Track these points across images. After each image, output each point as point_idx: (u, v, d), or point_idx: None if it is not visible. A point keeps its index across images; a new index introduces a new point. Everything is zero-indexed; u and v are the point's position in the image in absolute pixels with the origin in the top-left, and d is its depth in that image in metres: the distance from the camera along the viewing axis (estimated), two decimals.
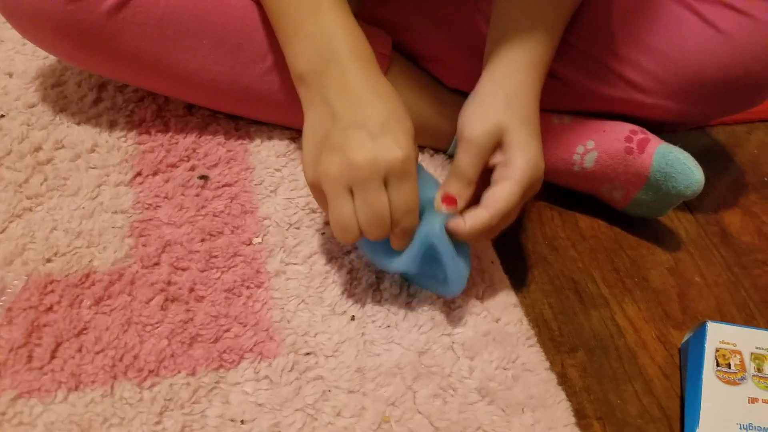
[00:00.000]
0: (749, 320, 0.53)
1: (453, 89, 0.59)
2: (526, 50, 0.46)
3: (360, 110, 0.42)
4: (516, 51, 0.46)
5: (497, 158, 0.45)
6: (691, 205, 0.62)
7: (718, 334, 0.48)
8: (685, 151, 0.54)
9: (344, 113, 0.41)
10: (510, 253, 0.56)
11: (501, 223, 0.44)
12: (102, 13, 0.50)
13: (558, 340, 0.50)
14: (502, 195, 0.43)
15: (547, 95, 0.57)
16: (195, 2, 0.51)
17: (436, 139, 0.60)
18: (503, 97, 0.45)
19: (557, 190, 0.60)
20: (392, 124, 0.41)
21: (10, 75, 0.62)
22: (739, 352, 0.47)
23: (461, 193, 0.44)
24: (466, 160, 0.44)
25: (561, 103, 0.57)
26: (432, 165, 0.60)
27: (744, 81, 0.50)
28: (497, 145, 0.44)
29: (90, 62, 0.55)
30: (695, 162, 0.54)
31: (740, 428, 0.43)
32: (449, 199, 0.44)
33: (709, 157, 0.68)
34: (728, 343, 0.48)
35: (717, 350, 0.47)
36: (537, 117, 0.46)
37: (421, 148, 0.61)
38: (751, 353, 0.47)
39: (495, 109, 0.45)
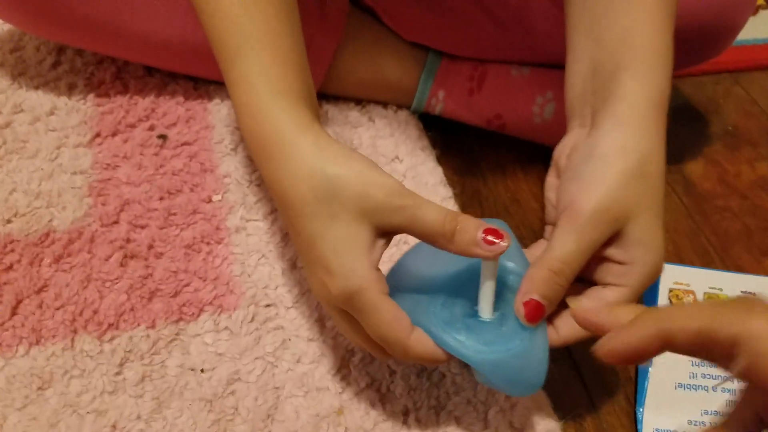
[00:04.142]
0: (708, 265, 0.54)
1: (412, 42, 0.59)
2: (649, 89, 0.35)
3: (293, 229, 0.34)
4: (638, 90, 0.35)
5: (611, 253, 0.35)
6: None
7: (671, 275, 0.49)
8: None
9: (286, 227, 0.35)
10: (472, 205, 0.56)
11: None
12: None
13: None
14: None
15: (507, 51, 0.57)
16: None
17: (399, 95, 0.60)
18: (634, 163, 0.34)
19: (520, 143, 0.60)
20: (320, 246, 0.32)
21: None
22: (693, 292, 0.48)
23: (555, 295, 0.33)
24: (571, 249, 0.33)
25: (524, 58, 0.57)
26: (396, 121, 0.60)
27: (697, 33, 0.50)
28: (615, 234, 0.34)
29: (44, 29, 0.55)
30: None
31: (692, 365, 0.44)
32: (535, 309, 0.33)
33: (675, 107, 0.68)
34: (681, 284, 0.48)
35: (670, 290, 0.48)
36: (664, 186, 0.35)
37: (384, 104, 0.61)
38: (705, 293, 0.48)
39: (622, 182, 0.33)
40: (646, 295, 0.49)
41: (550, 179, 0.39)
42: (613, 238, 0.34)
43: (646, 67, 0.36)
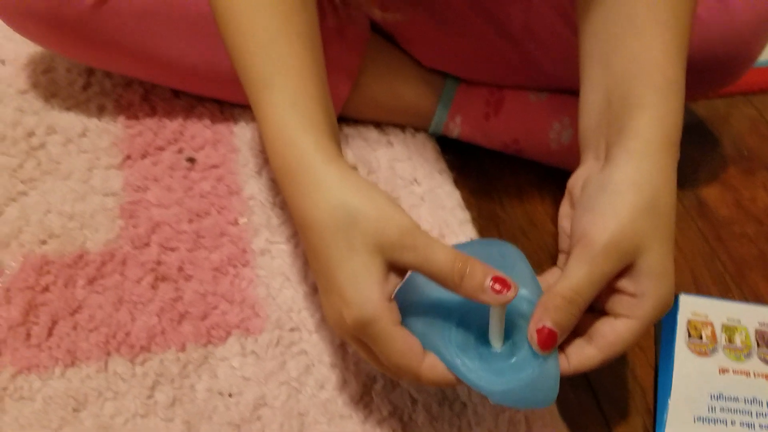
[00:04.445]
0: (724, 291, 0.55)
1: (430, 68, 0.60)
2: (663, 124, 0.36)
3: (312, 256, 0.36)
4: (652, 126, 0.36)
5: (623, 284, 0.36)
6: None
7: (690, 306, 0.50)
8: None
9: (306, 253, 0.37)
10: (489, 228, 0.57)
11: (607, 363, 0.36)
12: (86, 8, 0.51)
13: None
14: (622, 336, 0.35)
15: (524, 76, 0.58)
16: None
17: (416, 119, 0.61)
18: (646, 197, 0.35)
19: (537, 166, 0.61)
20: (336, 274, 0.34)
21: (2, 62, 0.63)
22: (711, 324, 0.49)
23: (568, 323, 0.34)
24: (584, 279, 0.34)
25: (538, 82, 0.57)
26: (414, 144, 0.61)
27: (712, 62, 0.51)
28: (626, 267, 0.35)
29: (75, 52, 0.57)
30: None
31: (711, 398, 0.45)
32: (548, 337, 0.34)
33: (690, 131, 0.68)
34: (700, 315, 0.49)
35: (689, 322, 0.49)
36: (674, 224, 0.36)
37: (402, 127, 0.62)
38: (722, 324, 0.49)
39: (635, 215, 0.34)
40: (665, 327, 0.50)
41: (564, 208, 0.40)
42: (625, 270, 0.35)
43: (660, 102, 0.36)
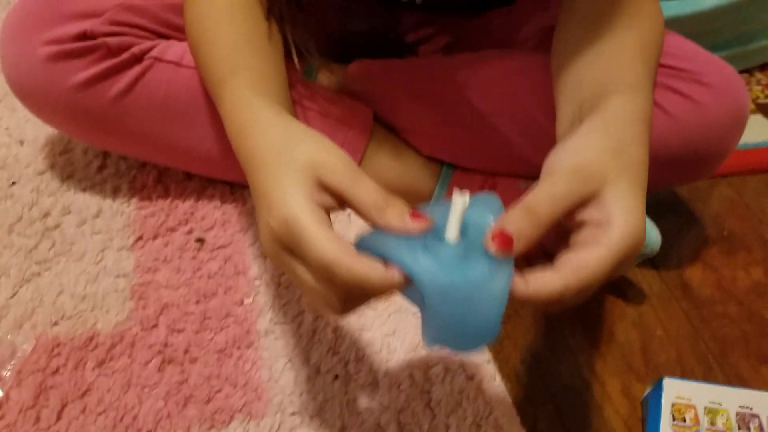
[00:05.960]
0: (707, 372, 0.57)
1: (429, 156, 0.64)
2: (634, 101, 0.38)
3: (253, 189, 0.37)
4: (623, 101, 0.37)
5: (589, 214, 0.33)
6: (654, 259, 0.66)
7: (674, 390, 0.52)
8: None
9: (252, 194, 0.38)
10: None
11: (573, 299, 0.33)
12: (108, 100, 0.55)
13: (529, 394, 0.54)
14: (587, 263, 0.32)
15: (513, 165, 0.62)
16: (191, 85, 0.56)
17: (415, 201, 0.64)
18: (613, 141, 0.35)
19: None
20: (267, 186, 0.35)
21: (21, 143, 0.66)
22: (694, 407, 0.51)
23: (524, 232, 0.32)
24: (544, 193, 0.33)
25: (526, 171, 0.61)
26: None
27: (690, 157, 0.55)
28: (591, 195, 0.33)
29: (95, 140, 0.60)
30: (652, 222, 0.58)
31: None
32: (503, 238, 0.31)
33: (673, 212, 0.72)
34: (683, 398, 0.51)
35: (673, 405, 0.51)
36: (646, 177, 0.35)
37: None
38: (705, 407, 0.51)
39: (600, 151, 0.34)
40: (650, 409, 0.52)
41: None
42: (591, 200, 0.33)
43: (629, 89, 0.38)
